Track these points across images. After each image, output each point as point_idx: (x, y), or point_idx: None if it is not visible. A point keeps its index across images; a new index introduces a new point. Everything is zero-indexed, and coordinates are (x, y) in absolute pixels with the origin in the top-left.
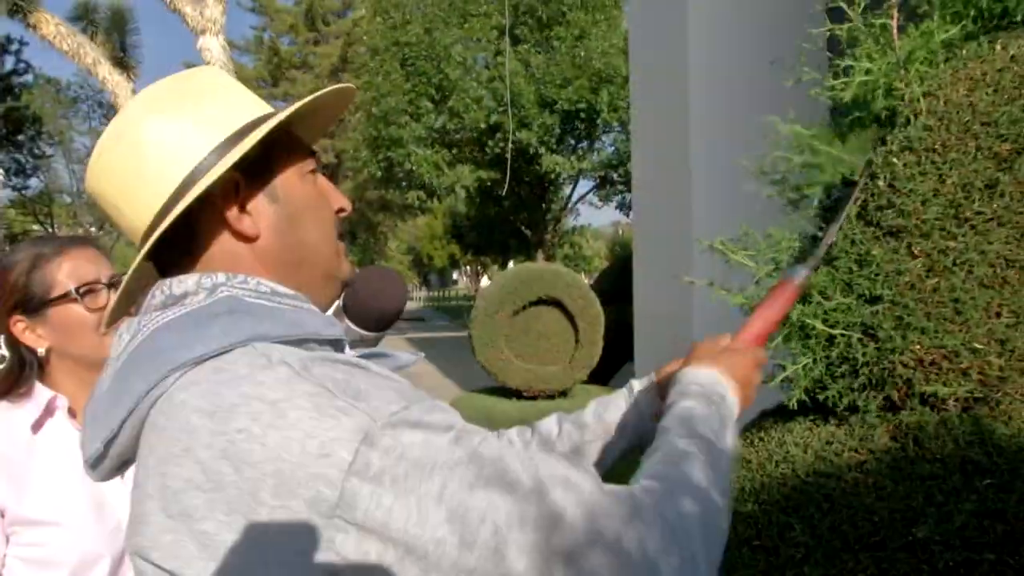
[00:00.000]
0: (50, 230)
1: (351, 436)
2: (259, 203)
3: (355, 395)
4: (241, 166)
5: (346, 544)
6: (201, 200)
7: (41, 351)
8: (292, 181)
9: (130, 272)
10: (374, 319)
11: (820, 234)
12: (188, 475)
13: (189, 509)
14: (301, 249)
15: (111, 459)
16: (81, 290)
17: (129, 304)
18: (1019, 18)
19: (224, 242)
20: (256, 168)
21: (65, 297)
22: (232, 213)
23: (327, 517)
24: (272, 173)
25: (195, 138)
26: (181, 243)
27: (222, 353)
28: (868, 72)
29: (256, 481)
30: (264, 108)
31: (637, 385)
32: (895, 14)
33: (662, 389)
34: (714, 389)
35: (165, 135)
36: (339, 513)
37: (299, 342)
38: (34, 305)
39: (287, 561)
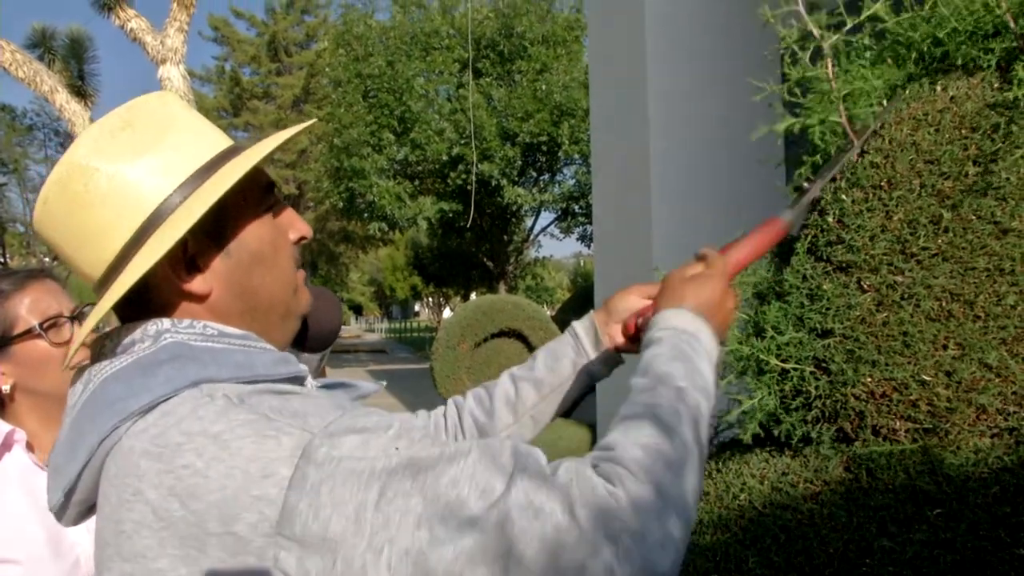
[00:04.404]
0: (2, 260)
1: (291, 454)
2: (212, 259)
3: (292, 415)
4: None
5: (289, 561)
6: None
7: (5, 388)
8: (248, 228)
9: (86, 329)
10: (311, 339)
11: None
12: (139, 517)
13: (143, 549)
14: (256, 297)
15: (74, 506)
16: (45, 325)
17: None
18: (958, 61)
19: (176, 299)
20: (209, 220)
21: (29, 333)
22: (182, 278)
23: (270, 536)
24: (227, 223)
25: (152, 181)
26: (135, 297)
27: (169, 397)
28: (816, 115)
29: (203, 513)
30: (223, 139)
31: (580, 328)
32: (829, 64)
33: (603, 319)
34: (685, 329)
35: (114, 185)
36: (280, 530)
37: (250, 383)
38: None
39: None
